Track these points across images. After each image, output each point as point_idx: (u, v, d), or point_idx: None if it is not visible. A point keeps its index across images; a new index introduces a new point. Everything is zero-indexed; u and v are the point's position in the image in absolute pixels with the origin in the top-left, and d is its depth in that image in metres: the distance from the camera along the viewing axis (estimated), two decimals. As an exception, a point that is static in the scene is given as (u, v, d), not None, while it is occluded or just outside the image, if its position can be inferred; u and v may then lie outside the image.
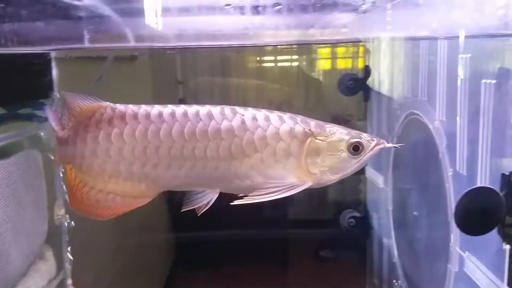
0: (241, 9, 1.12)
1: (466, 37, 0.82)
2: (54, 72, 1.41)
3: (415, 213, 1.20)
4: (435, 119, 1.04)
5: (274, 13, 1.16)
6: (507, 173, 0.76)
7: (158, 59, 2.33)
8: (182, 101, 2.83)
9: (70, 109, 0.78)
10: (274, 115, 0.75)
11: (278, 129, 0.73)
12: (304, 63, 2.84)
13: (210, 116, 0.74)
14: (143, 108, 0.75)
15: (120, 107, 0.76)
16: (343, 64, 2.68)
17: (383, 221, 1.48)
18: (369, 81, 1.57)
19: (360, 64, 2.13)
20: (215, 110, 0.75)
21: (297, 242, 2.45)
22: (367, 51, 1.68)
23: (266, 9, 1.13)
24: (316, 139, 0.73)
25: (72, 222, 1.36)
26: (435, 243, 1.11)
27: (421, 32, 1.06)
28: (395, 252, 1.37)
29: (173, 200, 2.56)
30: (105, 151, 0.74)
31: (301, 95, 2.81)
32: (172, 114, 0.74)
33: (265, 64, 2.90)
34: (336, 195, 2.47)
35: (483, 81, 0.82)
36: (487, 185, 0.83)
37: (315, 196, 2.47)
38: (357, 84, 1.60)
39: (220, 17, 1.13)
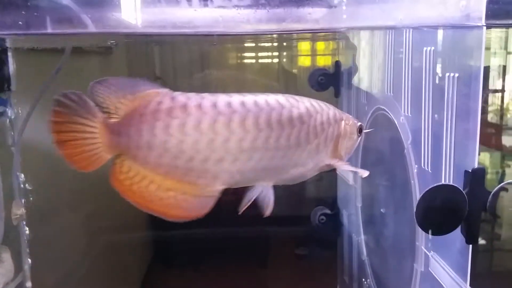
0: (210, 2, 1.09)
1: (429, 26, 0.79)
2: (12, 64, 1.35)
3: (382, 210, 1.18)
4: (401, 114, 1.01)
5: (245, 7, 1.13)
6: (470, 170, 0.74)
7: (135, 53, 2.27)
8: None
9: (117, 95, 0.69)
10: (314, 102, 0.76)
11: (329, 114, 0.76)
12: (285, 60, 2.84)
13: (280, 104, 0.71)
14: (207, 98, 0.69)
15: (180, 96, 0.69)
16: (323, 61, 2.68)
17: (353, 218, 1.46)
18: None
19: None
20: (281, 98, 0.72)
21: (276, 240, 2.44)
22: (350, 46, 1.65)
23: (237, 2, 1.10)
24: (345, 123, 0.79)
25: (27, 228, 1.31)
26: (401, 242, 1.08)
27: (387, 23, 1.03)
28: (364, 250, 1.35)
29: None
30: (163, 143, 0.67)
31: (280, 90, 2.80)
32: (242, 104, 0.68)
33: (245, 61, 2.88)
34: (311, 192, 2.46)
35: (447, 74, 0.80)
36: (451, 182, 0.80)
37: (292, 193, 2.45)
38: (327, 79, 1.56)
39: (188, 10, 1.10)
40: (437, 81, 0.83)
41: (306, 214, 1.79)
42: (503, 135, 1.94)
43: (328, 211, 1.62)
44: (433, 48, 0.84)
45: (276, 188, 0.76)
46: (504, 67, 1.89)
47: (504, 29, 1.49)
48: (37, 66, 1.39)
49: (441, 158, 0.83)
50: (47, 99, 1.29)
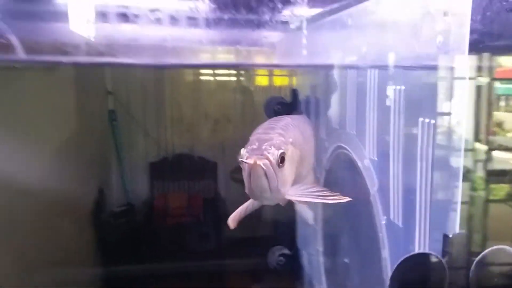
0: (157, 20, 0.98)
1: (398, 67, 0.68)
2: None
3: (346, 260, 1.05)
4: (365, 156, 0.90)
5: (196, 26, 1.02)
6: (450, 235, 0.62)
7: (83, 68, 2.10)
8: (112, 112, 2.63)
9: None
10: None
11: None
12: (242, 78, 2.79)
13: None
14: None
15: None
16: (279, 81, 2.64)
17: (314, 261, 1.33)
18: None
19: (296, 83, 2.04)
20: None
21: (230, 275, 2.32)
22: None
23: (187, 20, 1.00)
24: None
25: None
26: (368, 299, 0.96)
27: (349, 57, 0.93)
28: (326, 301, 1.22)
29: (100, 224, 2.33)
30: None
31: (238, 111, 2.71)
32: None
33: (202, 78, 2.80)
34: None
35: (421, 119, 0.69)
36: (427, 244, 0.69)
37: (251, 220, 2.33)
38: (284, 109, 1.45)
39: (134, 26, 0.98)
40: (409, 126, 0.72)
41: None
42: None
43: (287, 252, 1.49)
44: (403, 87, 0.73)
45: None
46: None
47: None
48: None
49: (414, 214, 0.71)
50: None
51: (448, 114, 0.62)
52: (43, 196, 1.54)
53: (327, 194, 0.84)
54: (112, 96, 2.67)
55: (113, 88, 2.65)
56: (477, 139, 1.72)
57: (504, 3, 0.56)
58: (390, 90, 0.78)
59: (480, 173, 1.74)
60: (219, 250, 2.44)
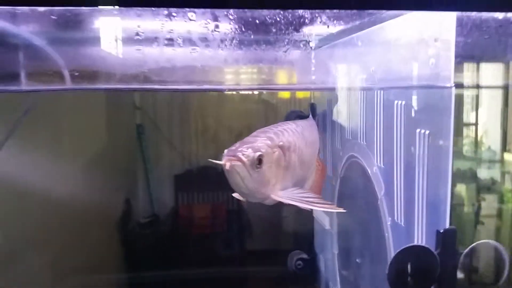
0: (189, 41, 1.08)
1: (400, 87, 0.79)
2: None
3: (358, 260, 1.15)
4: (374, 164, 1.00)
5: (223, 47, 1.12)
6: (441, 231, 0.72)
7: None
8: (140, 126, 2.75)
9: None
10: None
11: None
12: (265, 92, 2.85)
13: None
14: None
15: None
16: (301, 93, 2.70)
17: (330, 264, 1.42)
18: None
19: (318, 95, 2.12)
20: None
21: (252, 281, 2.39)
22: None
23: (214, 42, 1.10)
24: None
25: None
26: (377, 295, 1.05)
27: (360, 75, 1.04)
28: (341, 300, 1.31)
29: (126, 233, 2.44)
30: None
31: (260, 123, 2.79)
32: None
33: (227, 92, 2.87)
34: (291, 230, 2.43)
35: (418, 130, 0.79)
36: (424, 239, 0.78)
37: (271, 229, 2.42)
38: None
39: (166, 49, 1.09)
40: (408, 136, 0.82)
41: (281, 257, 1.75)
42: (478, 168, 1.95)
43: (305, 256, 1.58)
44: (403, 102, 0.84)
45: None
46: (478, 100, 1.91)
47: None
48: (6, 104, 1.35)
49: (413, 214, 0.81)
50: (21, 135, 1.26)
51: (440, 125, 0.72)
52: (75, 206, 1.65)
53: (319, 201, 0.88)
54: (139, 111, 2.80)
55: (140, 103, 2.79)
56: (505, 149, 1.77)
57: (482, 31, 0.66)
58: (393, 105, 0.88)
59: (509, 185, 1.79)
60: (242, 259, 2.51)
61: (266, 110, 2.81)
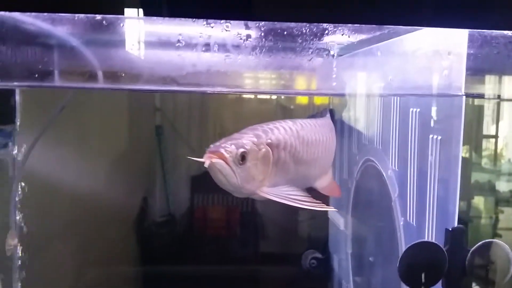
0: (210, 46, 1.14)
1: (415, 95, 0.85)
2: (18, 99, 1.40)
3: (371, 259, 1.21)
4: (389, 167, 1.06)
5: (246, 53, 1.19)
6: (450, 229, 0.78)
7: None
8: (159, 128, 2.82)
9: None
10: None
11: None
12: (283, 97, 2.89)
13: None
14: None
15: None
16: (320, 100, 2.75)
17: (343, 263, 1.48)
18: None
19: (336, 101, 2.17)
20: None
21: (265, 279, 2.44)
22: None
23: (237, 48, 1.16)
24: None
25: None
26: (388, 292, 1.11)
27: (377, 83, 1.10)
28: (353, 298, 1.37)
29: (142, 231, 2.52)
30: None
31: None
32: None
33: (245, 96, 2.93)
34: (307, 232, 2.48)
35: (430, 136, 0.85)
36: (433, 237, 0.84)
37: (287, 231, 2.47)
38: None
39: (190, 53, 1.15)
40: (422, 142, 0.89)
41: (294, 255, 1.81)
42: (497, 181, 1.97)
43: (319, 255, 1.64)
44: (418, 109, 0.90)
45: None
46: (498, 112, 1.94)
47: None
48: (41, 101, 1.44)
49: (425, 214, 0.87)
50: (50, 134, 1.35)
51: (451, 132, 0.78)
52: (97, 202, 1.74)
53: (307, 200, 0.89)
54: (159, 113, 2.87)
55: (161, 105, 2.86)
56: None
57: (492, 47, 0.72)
58: (409, 112, 0.94)
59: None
60: (255, 260, 2.56)
61: (284, 114, 2.87)
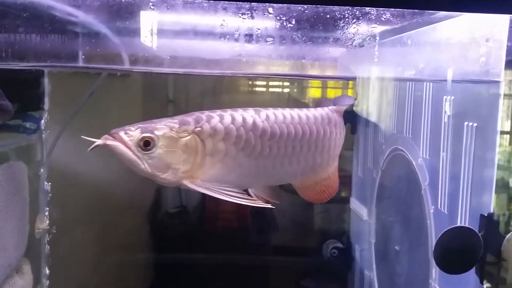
0: (235, 37, 1.16)
1: (451, 81, 0.86)
2: (46, 85, 1.42)
3: (396, 247, 1.21)
4: (419, 156, 1.06)
5: (268, 43, 1.20)
6: (486, 214, 0.78)
7: (149, 77, 2.37)
8: None
9: None
10: None
11: None
12: (295, 90, 2.90)
13: None
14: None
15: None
16: (333, 93, 2.75)
17: (366, 253, 1.49)
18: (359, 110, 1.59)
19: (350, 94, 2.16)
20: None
21: (279, 270, 2.45)
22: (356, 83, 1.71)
23: (260, 38, 1.18)
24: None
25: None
26: (414, 279, 1.12)
27: (408, 72, 1.10)
28: (376, 286, 1.38)
29: (155, 221, 2.56)
30: None
31: None
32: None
33: (257, 89, 2.95)
34: (320, 224, 2.49)
35: (466, 123, 0.85)
36: (466, 224, 0.85)
37: (299, 223, 2.48)
38: (345, 116, 1.61)
39: (214, 43, 1.17)
40: (456, 129, 0.89)
41: (313, 246, 1.82)
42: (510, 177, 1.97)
43: (340, 245, 1.65)
44: (453, 97, 0.90)
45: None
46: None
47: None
48: (69, 87, 1.46)
49: (458, 201, 0.88)
50: (78, 119, 1.37)
51: (487, 119, 0.78)
52: (114, 191, 1.78)
53: (240, 196, 0.83)
54: (172, 104, 2.90)
55: (174, 96, 2.89)
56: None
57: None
58: (442, 100, 0.95)
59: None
60: (269, 250, 2.58)
61: (297, 107, 2.86)
